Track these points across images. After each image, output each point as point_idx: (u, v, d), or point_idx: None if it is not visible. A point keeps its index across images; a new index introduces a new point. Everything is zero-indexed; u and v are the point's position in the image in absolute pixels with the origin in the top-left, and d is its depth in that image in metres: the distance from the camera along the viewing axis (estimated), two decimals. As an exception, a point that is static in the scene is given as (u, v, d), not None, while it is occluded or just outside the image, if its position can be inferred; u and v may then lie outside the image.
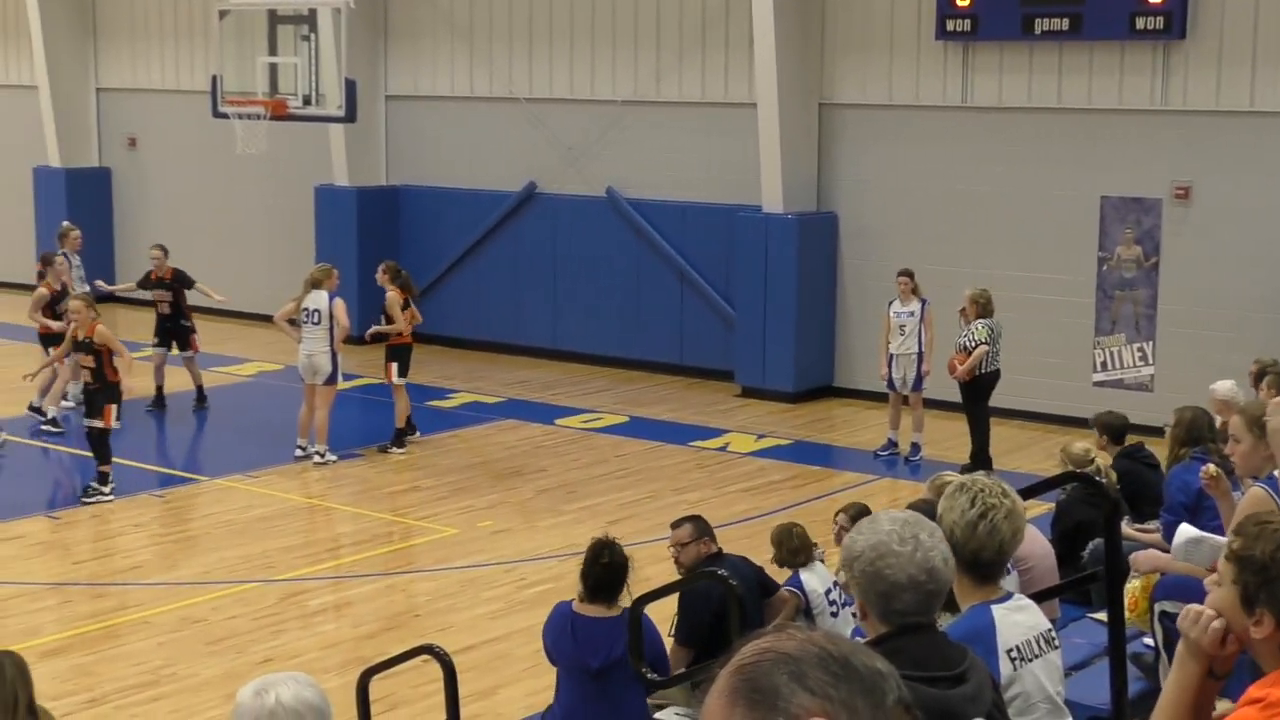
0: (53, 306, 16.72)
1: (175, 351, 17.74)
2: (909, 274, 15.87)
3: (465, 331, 21.50)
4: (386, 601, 11.92)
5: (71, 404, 17.20)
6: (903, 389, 15.84)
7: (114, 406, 14.17)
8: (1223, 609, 3.46)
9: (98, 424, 14.14)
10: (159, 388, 17.58)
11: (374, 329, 16.22)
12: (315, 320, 15.59)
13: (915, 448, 15.86)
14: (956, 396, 16.21)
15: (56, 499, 15.09)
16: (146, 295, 18.11)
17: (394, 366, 16.13)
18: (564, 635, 7.55)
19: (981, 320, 14.92)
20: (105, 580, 12.24)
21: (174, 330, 17.73)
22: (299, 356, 15.81)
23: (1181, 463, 9.07)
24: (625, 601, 7.57)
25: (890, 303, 16.01)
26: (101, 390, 14.19)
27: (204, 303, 18.38)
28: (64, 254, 18.11)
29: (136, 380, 15.03)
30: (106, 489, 14.18)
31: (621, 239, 20.13)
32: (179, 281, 17.75)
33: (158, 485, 15.02)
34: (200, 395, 17.79)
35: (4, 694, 6.20)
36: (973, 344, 14.87)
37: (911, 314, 15.73)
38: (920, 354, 15.69)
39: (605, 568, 7.54)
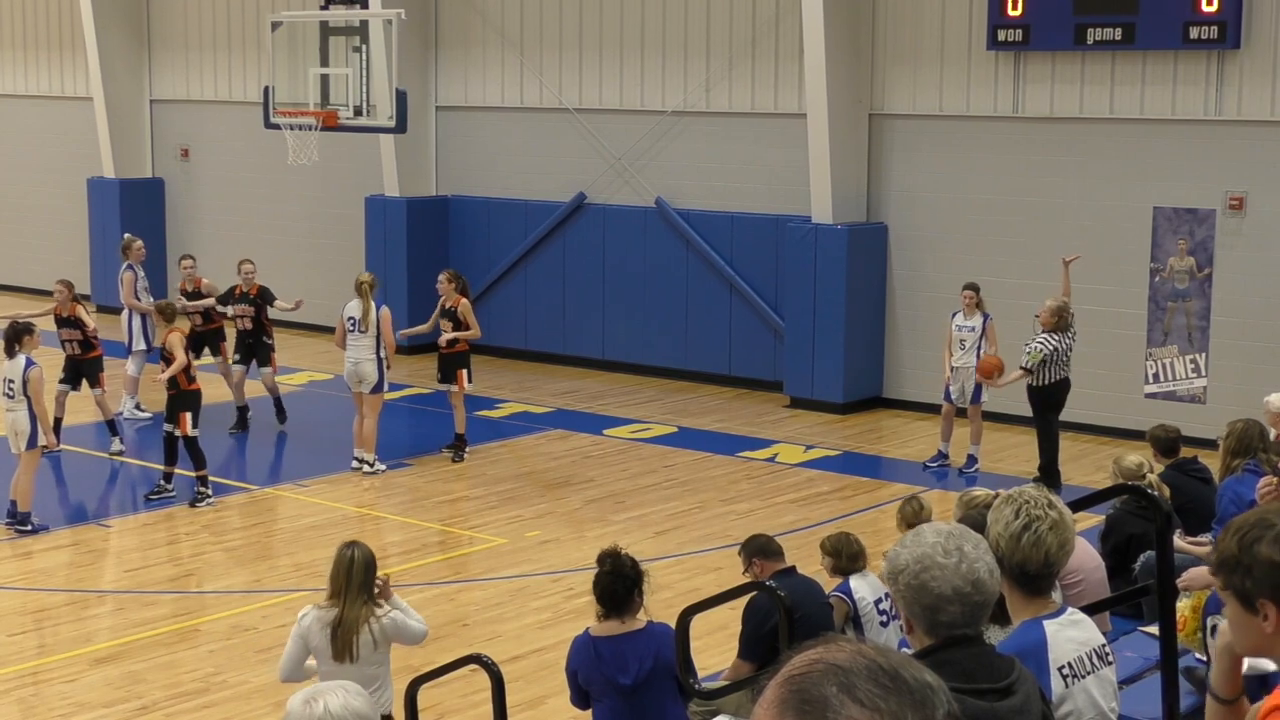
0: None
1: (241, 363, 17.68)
2: (974, 288, 15.75)
3: (514, 341, 21.56)
4: (435, 611, 11.92)
5: (122, 412, 17.44)
6: (960, 402, 15.72)
7: (189, 414, 14.42)
8: (1232, 622, 3.43)
9: (177, 432, 14.41)
10: (241, 408, 17.52)
11: (448, 335, 16.12)
12: (361, 329, 15.68)
13: (971, 459, 15.74)
14: (1015, 409, 16.15)
15: (110, 507, 15.22)
16: (225, 310, 17.80)
17: (464, 373, 16.16)
18: (589, 661, 7.52)
19: (1052, 334, 14.71)
20: (157, 588, 12.32)
21: (255, 346, 17.51)
22: (345, 365, 15.90)
23: (1234, 474, 9.06)
24: (644, 615, 7.56)
25: (953, 315, 15.90)
26: (177, 398, 14.44)
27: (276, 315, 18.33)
28: (130, 266, 18.20)
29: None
30: (209, 490, 14.59)
31: (671, 249, 20.14)
32: (263, 298, 17.51)
33: (209, 494, 15.10)
34: (280, 409, 17.59)
35: (344, 572, 7.61)
36: (1026, 362, 14.70)
37: (973, 329, 15.61)
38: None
39: (609, 575, 7.51)
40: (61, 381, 16.42)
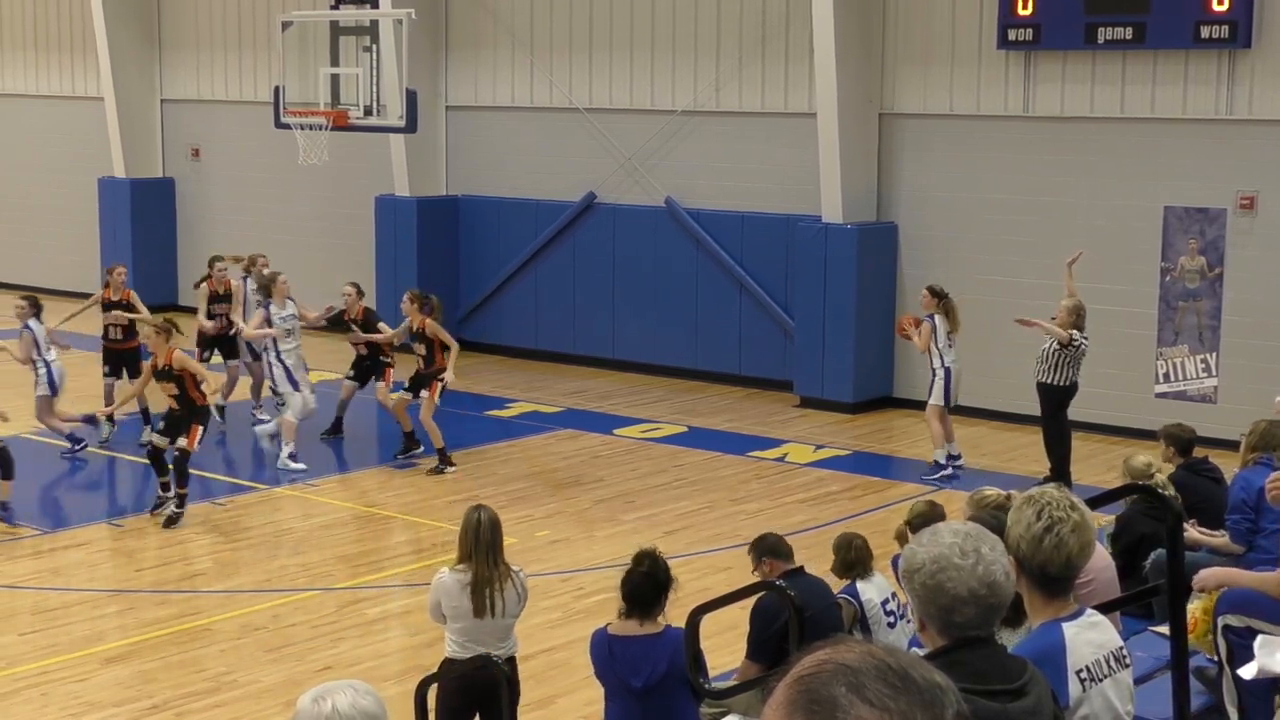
0: (209, 305, 17.43)
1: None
2: (928, 289, 15.72)
3: (524, 341, 21.57)
4: (445, 610, 11.93)
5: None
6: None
7: (200, 429, 13.99)
8: None
9: (183, 445, 13.88)
10: (340, 419, 17.02)
11: (445, 377, 15.69)
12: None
13: (936, 465, 15.62)
14: (1024, 409, 16.13)
15: (120, 507, 15.24)
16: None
17: (439, 385, 15.77)
18: (604, 659, 7.53)
19: (1072, 331, 14.64)
20: (167, 588, 12.34)
21: (373, 367, 16.77)
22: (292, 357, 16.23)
23: (1247, 466, 9.23)
24: (664, 619, 7.54)
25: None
26: (189, 414, 13.95)
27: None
28: (245, 276, 17.62)
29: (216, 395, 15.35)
30: (184, 510, 13.94)
31: (681, 249, 20.13)
32: (369, 323, 16.74)
33: (219, 494, 15.11)
34: (410, 440, 16.51)
35: (472, 534, 8.06)
36: (1073, 336, 14.54)
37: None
38: (933, 369, 15.54)
39: (643, 576, 7.50)
40: (106, 375, 16.63)
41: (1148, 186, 16.88)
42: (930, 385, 15.59)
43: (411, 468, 15.99)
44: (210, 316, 17.54)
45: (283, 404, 16.31)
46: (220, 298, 17.60)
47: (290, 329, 16.32)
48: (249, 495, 15.18)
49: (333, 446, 16.86)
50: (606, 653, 7.51)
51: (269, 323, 16.29)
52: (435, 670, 8.41)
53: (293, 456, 15.92)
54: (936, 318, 15.42)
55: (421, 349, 15.89)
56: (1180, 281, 16.81)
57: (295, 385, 16.16)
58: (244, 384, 17.90)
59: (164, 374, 13.97)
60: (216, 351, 17.66)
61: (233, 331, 17.41)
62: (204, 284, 17.80)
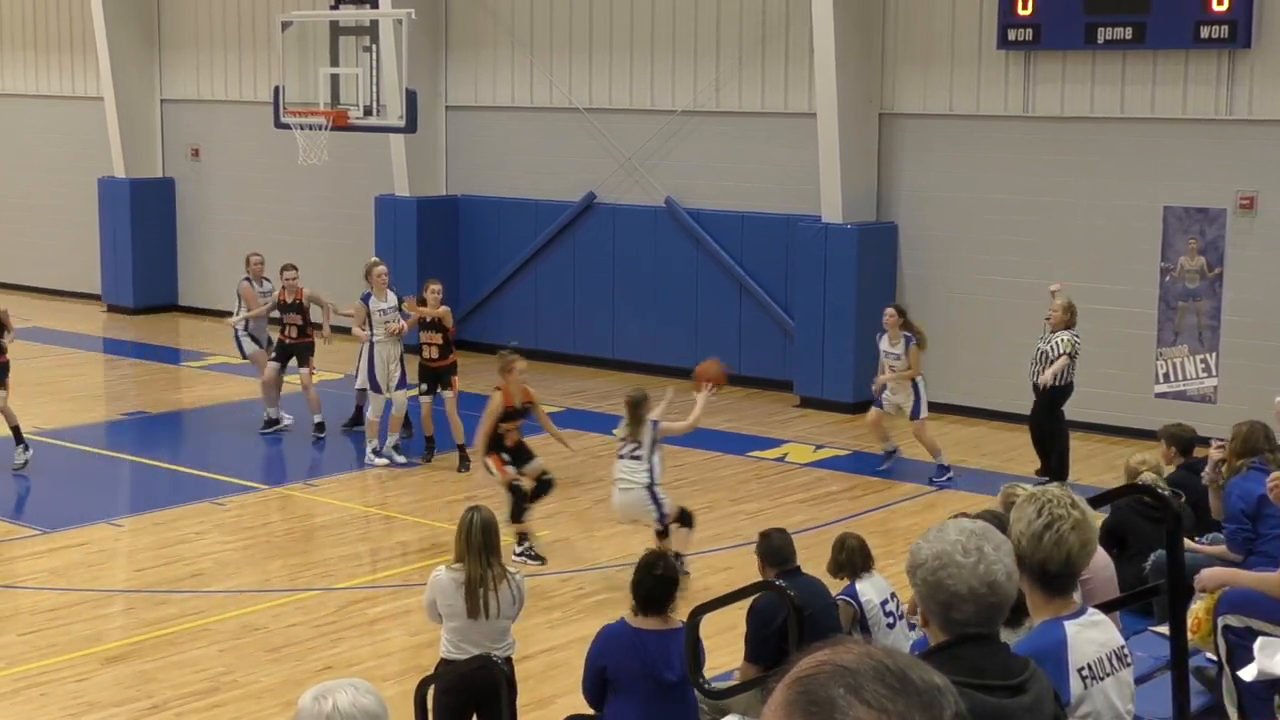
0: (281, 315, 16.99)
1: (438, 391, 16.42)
2: (896, 308, 15.47)
3: (524, 341, 21.51)
4: (445, 610, 11.92)
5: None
6: (897, 415, 15.53)
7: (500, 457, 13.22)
8: None
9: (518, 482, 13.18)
10: (430, 437, 16.46)
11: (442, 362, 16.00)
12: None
13: (941, 469, 15.46)
14: (1023, 409, 16.13)
15: (121, 506, 15.24)
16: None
17: (456, 379, 16.17)
18: (630, 652, 7.51)
19: (1066, 332, 14.62)
20: (167, 588, 12.34)
21: (441, 374, 16.22)
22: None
23: (1240, 474, 9.14)
24: (677, 613, 7.60)
25: (879, 336, 15.62)
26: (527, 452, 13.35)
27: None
28: (369, 295, 16.67)
29: None
30: (530, 548, 12.99)
31: (680, 249, 20.14)
32: (445, 324, 16.27)
33: (219, 493, 15.12)
34: (462, 454, 16.06)
35: (464, 535, 8.10)
36: (1055, 353, 14.53)
37: (899, 356, 15.25)
38: (915, 384, 15.27)
39: (658, 579, 7.56)
40: None
41: (1147, 186, 16.88)
42: (915, 403, 15.37)
43: (412, 467, 15.99)
44: (282, 327, 17.00)
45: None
46: (289, 307, 16.97)
47: (389, 320, 16.06)
48: (249, 495, 15.18)
49: (331, 446, 16.83)
50: (636, 644, 7.50)
51: (369, 316, 16.00)
52: (434, 671, 8.42)
53: (376, 452, 15.99)
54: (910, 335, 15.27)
55: (438, 338, 15.96)
56: (1180, 281, 16.82)
57: (376, 387, 15.99)
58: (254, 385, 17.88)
59: (522, 412, 13.48)
60: (294, 360, 17.02)
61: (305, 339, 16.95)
62: (273, 294, 17.30)
